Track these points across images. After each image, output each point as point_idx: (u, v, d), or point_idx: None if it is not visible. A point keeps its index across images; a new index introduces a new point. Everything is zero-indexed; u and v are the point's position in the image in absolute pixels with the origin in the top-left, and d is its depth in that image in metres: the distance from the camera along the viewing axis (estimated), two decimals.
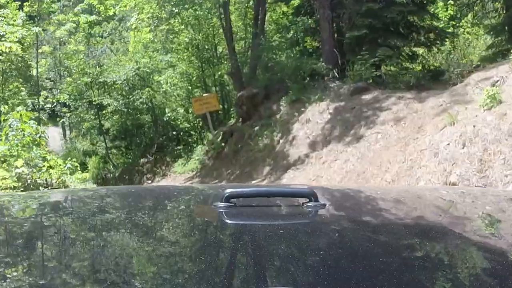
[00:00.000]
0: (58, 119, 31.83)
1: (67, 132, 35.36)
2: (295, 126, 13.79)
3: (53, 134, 38.30)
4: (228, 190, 1.41)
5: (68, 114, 26.81)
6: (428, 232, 1.34)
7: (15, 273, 0.98)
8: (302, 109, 14.19)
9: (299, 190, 1.72)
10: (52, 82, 27.96)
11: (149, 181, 21.48)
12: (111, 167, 25.56)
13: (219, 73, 20.21)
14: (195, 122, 23.52)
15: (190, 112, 21.96)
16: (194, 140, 23.21)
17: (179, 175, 19.50)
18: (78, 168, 16.45)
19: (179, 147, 22.97)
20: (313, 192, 1.38)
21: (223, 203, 1.36)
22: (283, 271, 0.98)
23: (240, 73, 18.75)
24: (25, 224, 1.43)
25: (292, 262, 1.04)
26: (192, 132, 24.01)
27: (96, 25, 25.39)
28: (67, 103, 25.41)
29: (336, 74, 15.73)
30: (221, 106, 21.40)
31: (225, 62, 20.68)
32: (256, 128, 15.57)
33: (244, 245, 1.21)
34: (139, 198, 1.94)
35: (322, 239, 1.21)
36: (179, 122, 24.33)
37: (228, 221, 1.41)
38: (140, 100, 22.45)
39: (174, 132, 24.61)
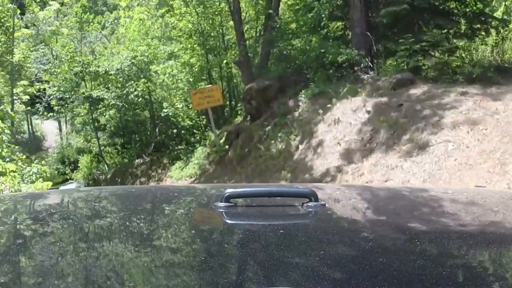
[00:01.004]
0: (52, 113, 28.37)
1: (64, 127, 32.01)
2: (320, 128, 10.26)
3: (51, 129, 35.10)
4: (228, 190, 1.38)
5: (56, 108, 23.24)
6: (428, 232, 1.29)
7: (10, 275, 0.95)
8: (328, 105, 10.65)
9: (299, 190, 1.67)
10: (45, 72, 24.50)
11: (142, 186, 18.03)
12: (105, 167, 22.11)
13: (225, 61, 16.63)
14: (198, 119, 20.02)
15: (192, 107, 18.45)
16: (197, 140, 19.74)
17: (176, 181, 16.03)
18: (47, 174, 13.15)
19: (180, 147, 19.49)
20: (313, 192, 1.37)
21: (223, 203, 1.33)
22: (283, 271, 0.93)
23: (249, 62, 15.24)
24: (21, 226, 1.37)
25: (292, 262, 0.99)
26: (195, 130, 20.52)
27: (91, 10, 21.85)
28: (57, 95, 21.88)
29: (369, 62, 12.19)
30: (227, 102, 17.95)
31: (233, 50, 17.15)
32: (268, 128, 12.05)
33: (244, 245, 1.17)
34: (138, 198, 1.87)
35: (322, 239, 1.18)
36: (180, 119, 20.86)
37: (228, 221, 1.37)
38: (135, 92, 18.92)
39: (175, 130, 21.13)
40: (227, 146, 13.38)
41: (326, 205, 1.43)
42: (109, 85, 20.70)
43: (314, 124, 10.47)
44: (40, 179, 11.92)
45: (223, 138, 13.52)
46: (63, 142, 29.99)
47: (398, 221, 1.41)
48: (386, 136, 8.52)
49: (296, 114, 11.62)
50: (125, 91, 19.05)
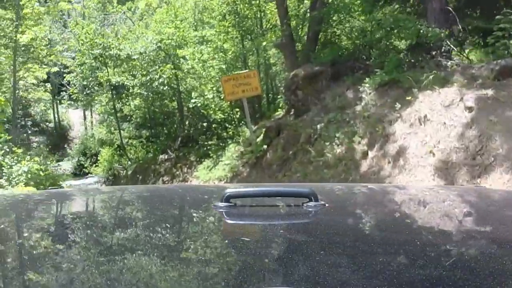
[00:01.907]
0: (71, 101, 25.99)
1: (89, 117, 29.70)
2: (398, 128, 7.39)
3: (78, 118, 32.85)
4: (228, 190, 1.38)
5: (75, 95, 20.71)
6: (428, 231, 1.27)
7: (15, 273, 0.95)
8: (407, 97, 7.73)
9: (299, 190, 1.60)
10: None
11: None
12: (127, 161, 19.57)
13: (264, 43, 13.80)
14: (231, 112, 17.29)
15: (223, 97, 15.70)
16: (229, 135, 17.05)
17: (202, 182, 13.33)
18: (41, 173, 10.64)
19: (210, 143, 16.80)
20: (313, 192, 1.35)
21: (223, 203, 1.33)
22: (283, 271, 0.91)
23: (293, 44, 12.39)
24: (28, 225, 1.37)
25: (292, 262, 0.96)
26: (227, 125, 17.81)
27: None
28: (75, 82, 19.34)
29: (451, 45, 9.26)
30: (264, 92, 15.18)
31: (273, 32, 14.30)
32: (319, 126, 9.20)
33: (244, 245, 1.12)
34: (139, 198, 1.86)
35: (322, 239, 1.15)
36: (211, 111, 18.15)
37: (229, 221, 1.35)
38: (160, 80, 16.23)
39: (205, 124, 18.44)
40: (265, 146, 10.58)
41: (326, 205, 1.38)
42: (134, 72, 18.10)
43: (388, 122, 7.58)
44: (22, 183, 9.42)
45: (261, 136, 10.71)
46: (87, 132, 27.64)
47: (399, 221, 1.39)
48: (507, 146, 5.59)
49: (358, 108, 8.74)
50: (148, 78, 16.37)
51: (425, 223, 1.37)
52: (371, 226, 1.33)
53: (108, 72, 18.31)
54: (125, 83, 16.87)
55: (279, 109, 12.32)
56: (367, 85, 9.06)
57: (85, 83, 18.51)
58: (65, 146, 27.15)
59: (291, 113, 11.50)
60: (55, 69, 19.78)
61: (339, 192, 1.94)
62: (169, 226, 1.36)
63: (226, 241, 1.19)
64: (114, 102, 19.06)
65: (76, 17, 19.59)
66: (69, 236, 1.25)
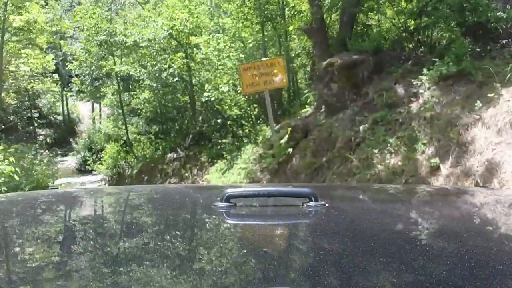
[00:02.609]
0: (73, 93, 24.22)
1: (97, 110, 27.97)
2: (479, 135, 5.42)
3: (86, 112, 31.10)
4: (228, 190, 1.36)
5: (78, 86, 18.83)
6: (428, 231, 1.27)
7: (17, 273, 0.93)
8: (489, 94, 5.73)
9: (299, 190, 1.60)
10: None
11: None
12: (133, 159, 17.71)
13: (290, 29, 11.84)
14: (248, 108, 15.42)
15: (240, 90, 13.76)
16: (245, 134, 15.15)
17: None
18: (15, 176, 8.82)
19: (224, 141, 14.93)
20: (313, 192, 1.35)
21: (223, 203, 1.31)
22: (283, 271, 0.91)
23: (325, 30, 10.41)
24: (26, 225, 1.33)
25: (292, 262, 0.99)
26: (243, 122, 15.91)
27: None
28: (77, 71, 17.46)
29: None
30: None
31: (302, 16, 12.32)
32: (363, 127, 7.25)
33: (244, 245, 1.13)
34: (139, 198, 1.82)
35: (322, 239, 1.15)
36: (226, 107, 16.24)
37: (228, 221, 1.33)
38: (170, 70, 14.31)
39: (219, 120, 16.56)
40: (290, 150, 8.63)
41: (326, 205, 1.36)
42: (143, 62, 16.21)
43: (463, 127, 5.59)
44: None
45: (285, 138, 8.74)
46: (94, 126, 25.86)
47: (399, 221, 1.38)
48: None
49: (415, 106, 6.78)
50: (156, 68, 14.49)
51: (424, 223, 1.35)
52: (371, 226, 1.30)
53: (114, 61, 16.46)
54: (131, 73, 14.94)
55: (306, 106, 10.35)
56: (425, 77, 7.07)
57: (87, 71, 16.58)
58: (71, 140, 25.37)
59: (322, 110, 9.54)
60: (50, 56, 17.88)
61: (339, 192, 1.94)
62: (169, 226, 1.33)
63: (226, 241, 1.15)
64: (120, 94, 17.20)
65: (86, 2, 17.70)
66: (66, 237, 1.22)
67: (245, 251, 1.07)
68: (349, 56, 8.78)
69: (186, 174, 14.04)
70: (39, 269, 0.95)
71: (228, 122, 16.42)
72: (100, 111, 27.53)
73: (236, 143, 14.63)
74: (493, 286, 0.84)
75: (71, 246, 1.13)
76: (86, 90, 19.10)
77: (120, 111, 21.06)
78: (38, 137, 28.32)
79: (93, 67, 15.82)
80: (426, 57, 8.26)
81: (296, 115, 10.53)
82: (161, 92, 17.75)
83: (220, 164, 12.81)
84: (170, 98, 17.95)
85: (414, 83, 7.28)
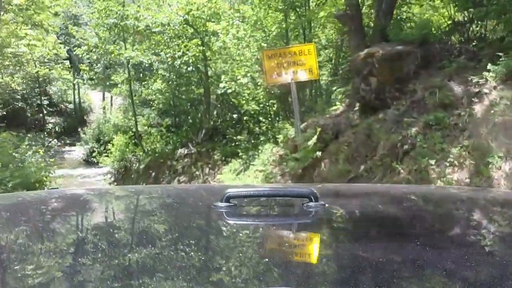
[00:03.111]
0: (83, 80, 23.04)
1: (108, 99, 26.85)
2: None
3: (98, 101, 29.98)
4: (229, 190, 1.34)
5: (85, 73, 17.57)
6: (428, 231, 1.25)
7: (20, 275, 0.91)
8: None
9: (299, 190, 1.62)
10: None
11: None
12: (142, 152, 16.48)
13: (321, 15, 10.53)
14: (267, 104, 14.16)
15: (260, 84, 12.45)
16: (263, 131, 13.88)
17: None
18: None
19: (239, 138, 13.68)
20: (313, 192, 1.33)
21: (223, 203, 1.30)
22: (283, 271, 0.92)
23: (360, 17, 9.09)
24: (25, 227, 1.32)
25: (292, 262, 0.98)
26: (261, 118, 14.64)
27: None
28: (85, 56, 16.20)
29: None
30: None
31: (333, 2, 10.96)
32: (413, 130, 5.91)
33: (244, 245, 1.12)
34: (139, 198, 1.80)
35: (322, 239, 1.16)
36: (243, 100, 14.97)
37: (229, 221, 1.32)
38: (185, 58, 13.02)
39: (235, 115, 15.30)
40: (318, 153, 7.32)
41: (326, 205, 1.35)
42: (157, 50, 14.96)
43: None
44: None
45: (313, 138, 7.43)
46: (105, 116, 24.70)
47: (398, 221, 1.37)
48: None
49: (479, 108, 5.44)
50: (169, 55, 13.22)
51: (424, 223, 1.33)
52: (371, 226, 1.29)
53: (125, 47, 15.23)
54: (141, 59, 13.69)
55: (337, 104, 9.01)
56: (489, 74, 5.74)
57: (95, 57, 15.35)
58: (79, 130, 24.24)
59: (355, 108, 8.24)
60: (52, 37, 16.62)
61: (339, 192, 1.93)
62: (169, 226, 1.33)
63: (226, 241, 1.15)
64: (130, 82, 15.97)
65: None
66: (63, 240, 1.18)
67: (245, 251, 1.05)
68: (391, 47, 7.44)
69: (197, 173, 12.80)
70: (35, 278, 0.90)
71: (245, 118, 15.17)
72: (111, 100, 26.38)
73: (253, 141, 13.38)
74: (493, 286, 0.83)
75: (68, 249, 1.10)
76: (94, 77, 17.86)
77: (130, 101, 20.00)
78: (47, 125, 27.35)
79: (102, 52, 14.55)
80: (483, 51, 6.92)
81: (324, 113, 9.21)
82: (174, 83, 16.53)
83: (234, 163, 11.54)
84: (184, 89, 16.70)
85: (473, 80, 5.94)
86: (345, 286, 0.84)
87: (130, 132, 17.72)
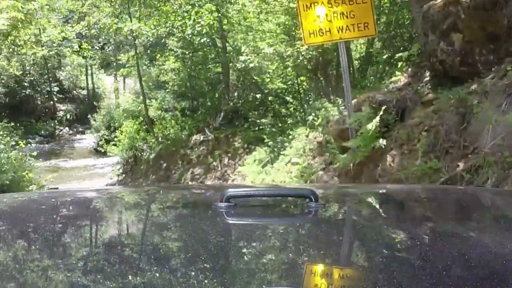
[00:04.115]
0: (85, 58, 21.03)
1: (120, 81, 24.81)
2: None
3: (111, 87, 27.91)
4: (229, 190, 1.33)
5: (86, 51, 15.39)
6: (428, 231, 1.22)
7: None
8: None
9: (299, 190, 1.64)
10: None
11: (195, 181, 10.21)
12: (153, 140, 14.38)
13: None
14: (296, 81, 11.96)
15: (288, 57, 10.12)
16: (290, 113, 11.74)
17: (251, 184, 7.90)
18: None
19: (263, 121, 11.57)
20: (313, 192, 1.29)
21: (223, 203, 1.27)
22: (284, 271, 0.90)
23: None
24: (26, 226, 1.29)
25: (292, 262, 0.97)
26: (288, 98, 12.49)
27: None
28: (86, 32, 14.05)
29: None
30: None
31: None
32: None
33: (244, 245, 1.11)
34: (139, 198, 1.78)
35: (322, 239, 1.13)
36: (267, 78, 12.77)
37: (229, 221, 1.31)
38: (198, 27, 10.76)
39: (258, 95, 13.12)
40: (382, 141, 5.09)
41: (326, 205, 1.37)
42: (168, 23, 12.77)
43: None
44: None
45: (375, 120, 5.16)
46: (117, 100, 22.67)
47: (398, 221, 1.36)
48: None
49: None
50: (179, 24, 11.00)
51: (424, 223, 1.32)
52: (371, 226, 1.28)
53: (131, 19, 13.07)
54: (145, 32, 11.51)
55: (397, 72, 6.71)
56: None
57: (94, 31, 13.19)
58: (88, 117, 22.26)
59: (426, 77, 6.00)
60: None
61: (339, 192, 1.91)
62: (169, 225, 1.32)
63: (227, 241, 1.14)
64: (137, 60, 13.82)
65: None
66: (59, 240, 1.17)
67: (245, 251, 1.05)
68: None
69: (214, 163, 10.67)
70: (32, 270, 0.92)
71: (269, 98, 12.99)
72: (123, 84, 24.35)
73: (280, 125, 11.21)
74: (493, 285, 0.83)
75: (66, 249, 1.07)
76: (96, 57, 15.75)
77: (139, 81, 17.94)
78: (58, 113, 25.52)
79: (100, 26, 12.36)
80: None
81: (376, 86, 6.94)
82: (189, 62, 14.41)
83: (259, 152, 9.38)
84: (200, 68, 14.55)
85: None
86: (345, 286, 0.83)
87: (140, 117, 15.65)
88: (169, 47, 14.33)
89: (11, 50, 13.82)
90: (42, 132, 23.55)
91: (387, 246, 1.06)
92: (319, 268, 0.92)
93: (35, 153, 10.55)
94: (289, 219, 1.33)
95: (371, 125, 5.08)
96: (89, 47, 15.46)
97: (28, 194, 2.16)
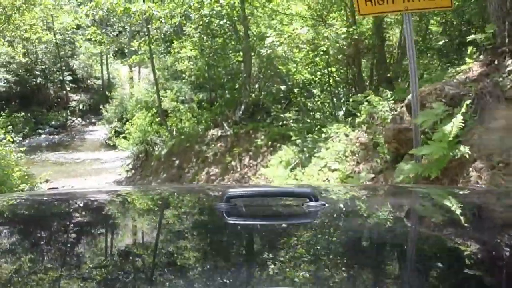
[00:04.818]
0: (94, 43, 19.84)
1: (136, 71, 23.61)
2: None
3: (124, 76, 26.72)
4: (229, 191, 1.32)
5: (93, 36, 14.03)
6: (428, 231, 1.24)
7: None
8: None
9: (299, 190, 1.60)
10: None
11: (211, 182, 8.91)
12: (166, 133, 13.11)
13: None
14: (326, 71, 10.59)
15: (322, 42, 8.71)
16: (318, 107, 10.48)
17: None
18: None
19: (287, 116, 10.29)
20: (313, 192, 1.30)
21: (224, 204, 1.26)
22: (284, 271, 0.90)
23: None
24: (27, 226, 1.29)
25: (292, 262, 0.95)
26: (314, 91, 11.19)
27: None
28: (94, 15, 12.73)
29: None
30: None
31: None
32: None
33: (244, 245, 1.12)
34: (138, 199, 1.75)
35: (322, 239, 1.14)
36: (292, 67, 11.41)
37: (229, 221, 1.28)
38: (216, 7, 9.41)
39: (283, 87, 11.78)
40: (465, 149, 3.70)
41: (326, 205, 1.30)
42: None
43: None
44: None
45: (457, 120, 3.77)
46: (132, 90, 21.41)
47: (398, 221, 1.36)
48: None
49: None
50: (195, 1, 9.63)
51: (424, 223, 1.33)
52: (371, 226, 1.27)
53: (143, 1, 11.77)
54: (156, 12, 10.16)
55: (467, 60, 5.29)
56: None
57: (102, 13, 11.87)
58: (100, 107, 21.07)
59: (508, 64, 4.61)
60: None
61: (339, 192, 1.88)
62: (170, 226, 1.30)
63: (227, 241, 1.12)
64: (149, 45, 12.53)
65: None
66: (57, 239, 1.16)
67: (245, 251, 1.05)
68: None
69: (233, 163, 9.35)
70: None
71: (295, 90, 11.64)
72: (139, 73, 23.14)
73: (308, 120, 9.87)
74: (493, 286, 0.82)
75: (65, 249, 1.07)
76: (105, 41, 14.45)
77: (159, 73, 16.68)
78: (70, 103, 24.44)
79: (107, 7, 11.03)
80: None
81: (440, 77, 5.53)
82: (207, 49, 13.10)
83: (286, 152, 8.03)
84: (220, 56, 13.23)
85: None
86: (345, 286, 0.83)
87: (153, 108, 14.40)
88: (185, 33, 13.09)
89: (13, 34, 12.68)
90: (53, 122, 22.52)
91: (387, 246, 1.06)
92: (319, 268, 0.90)
93: (23, 148, 9.29)
94: (289, 219, 1.30)
95: (450, 127, 3.70)
96: (98, 32, 14.04)
97: (22, 195, 2.05)
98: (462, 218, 1.40)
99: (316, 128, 9.48)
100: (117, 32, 23.76)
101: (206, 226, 1.30)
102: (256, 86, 12.52)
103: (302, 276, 0.86)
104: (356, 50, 8.05)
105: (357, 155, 5.84)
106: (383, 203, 1.65)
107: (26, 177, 7.62)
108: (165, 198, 1.76)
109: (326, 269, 0.90)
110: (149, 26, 12.43)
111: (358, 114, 6.37)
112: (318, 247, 1.06)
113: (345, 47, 7.93)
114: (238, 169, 9.07)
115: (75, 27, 21.64)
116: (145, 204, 1.65)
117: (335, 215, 1.36)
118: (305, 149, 7.70)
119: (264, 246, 1.07)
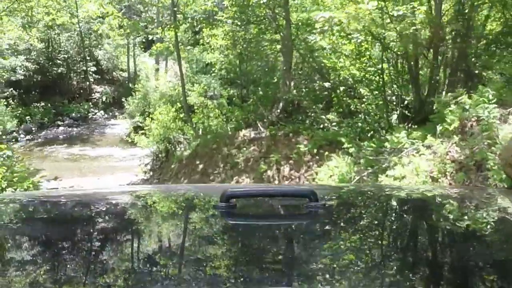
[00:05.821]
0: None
1: (163, 64, 22.28)
2: None
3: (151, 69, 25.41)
4: (229, 190, 1.28)
5: (114, 19, 12.61)
6: (427, 231, 1.23)
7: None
8: None
9: (299, 190, 1.58)
10: None
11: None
12: (191, 132, 11.57)
13: None
14: (376, 67, 9.00)
15: (394, 24, 7.02)
16: (363, 110, 8.92)
17: None
18: None
19: (329, 117, 8.74)
20: (313, 192, 1.26)
21: (224, 203, 1.23)
22: (284, 271, 0.90)
23: None
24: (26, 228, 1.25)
25: (292, 262, 0.96)
26: (362, 90, 9.64)
27: None
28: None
29: None
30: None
31: None
32: None
33: (244, 244, 1.09)
34: (138, 199, 1.71)
35: (322, 239, 1.13)
36: (339, 62, 9.78)
37: (229, 221, 1.27)
38: None
39: (327, 84, 10.13)
40: None
41: (326, 205, 1.32)
42: None
43: None
44: None
45: None
46: (158, 83, 19.99)
47: (398, 221, 1.35)
48: None
49: None
50: None
51: (424, 223, 1.31)
52: (371, 226, 1.25)
53: None
54: None
55: None
56: None
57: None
58: (123, 100, 19.72)
59: None
60: None
61: (339, 192, 1.85)
62: (170, 225, 1.29)
63: (226, 241, 1.13)
64: (175, 31, 11.00)
65: None
66: (61, 239, 1.13)
67: (245, 250, 1.04)
68: None
69: (269, 173, 7.72)
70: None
71: (340, 89, 9.99)
72: (166, 65, 21.78)
73: (360, 124, 8.25)
74: (493, 286, 0.81)
75: (65, 249, 1.05)
76: (124, 24, 12.97)
77: (188, 64, 15.21)
78: (93, 95, 23.25)
79: None
80: None
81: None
82: (240, 39, 11.57)
83: (338, 162, 6.38)
84: (254, 47, 11.69)
85: None
86: (346, 285, 0.82)
87: (178, 103, 12.90)
88: (217, 20, 11.61)
89: (24, 15, 11.39)
90: (74, 114, 21.29)
91: (387, 246, 1.05)
92: (319, 267, 0.89)
93: (15, 146, 7.91)
94: (289, 219, 1.31)
95: None
96: (119, 14, 12.63)
97: (18, 195, 1.99)
98: (461, 216, 1.35)
99: (369, 134, 7.88)
100: (145, 23, 22.57)
101: (206, 225, 1.26)
102: (292, 83, 10.92)
103: (302, 276, 0.84)
104: (438, 38, 6.28)
105: (448, 177, 4.18)
106: (383, 203, 1.60)
107: (16, 178, 6.19)
108: (165, 197, 1.71)
109: (326, 269, 0.88)
110: (175, 9, 10.94)
111: (449, 119, 4.68)
112: (318, 247, 1.04)
113: (420, 34, 6.19)
114: (276, 181, 7.45)
115: (100, 15, 20.49)
116: (144, 204, 1.60)
117: (335, 215, 1.33)
118: (361, 160, 6.06)
119: (264, 246, 1.04)
